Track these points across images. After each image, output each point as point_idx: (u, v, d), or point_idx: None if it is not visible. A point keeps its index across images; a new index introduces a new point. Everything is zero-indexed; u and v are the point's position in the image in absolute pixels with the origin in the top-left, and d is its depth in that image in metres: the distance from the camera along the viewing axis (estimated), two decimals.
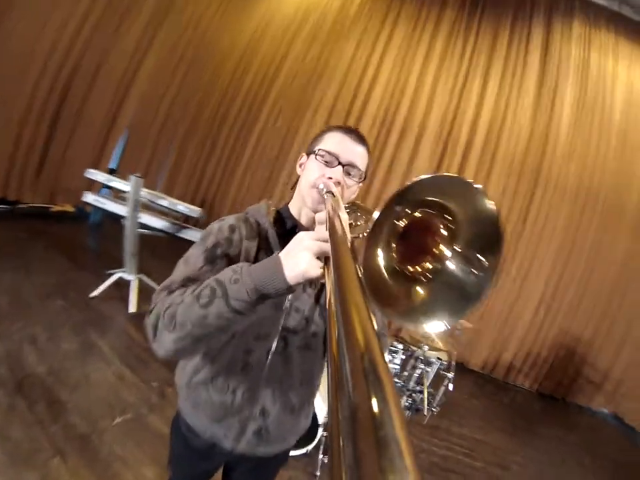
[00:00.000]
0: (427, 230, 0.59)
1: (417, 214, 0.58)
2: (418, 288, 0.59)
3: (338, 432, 0.20)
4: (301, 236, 0.63)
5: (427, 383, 2.88)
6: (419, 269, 0.60)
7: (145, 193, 2.98)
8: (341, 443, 0.19)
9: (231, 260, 0.82)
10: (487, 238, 0.54)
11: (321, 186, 0.82)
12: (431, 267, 0.59)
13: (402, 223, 0.59)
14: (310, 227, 0.90)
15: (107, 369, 2.25)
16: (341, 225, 0.57)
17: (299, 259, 0.60)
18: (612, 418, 4.79)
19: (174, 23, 4.98)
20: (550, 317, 4.82)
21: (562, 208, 4.84)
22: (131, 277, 3.10)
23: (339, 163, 0.85)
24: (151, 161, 5.37)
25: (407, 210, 0.57)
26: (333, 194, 0.76)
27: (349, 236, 0.54)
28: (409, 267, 0.60)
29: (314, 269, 0.59)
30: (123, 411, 1.98)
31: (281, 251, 0.65)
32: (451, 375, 2.95)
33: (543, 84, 5.05)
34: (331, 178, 0.83)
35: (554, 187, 4.92)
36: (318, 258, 0.60)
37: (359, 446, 0.18)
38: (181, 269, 0.81)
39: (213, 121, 5.58)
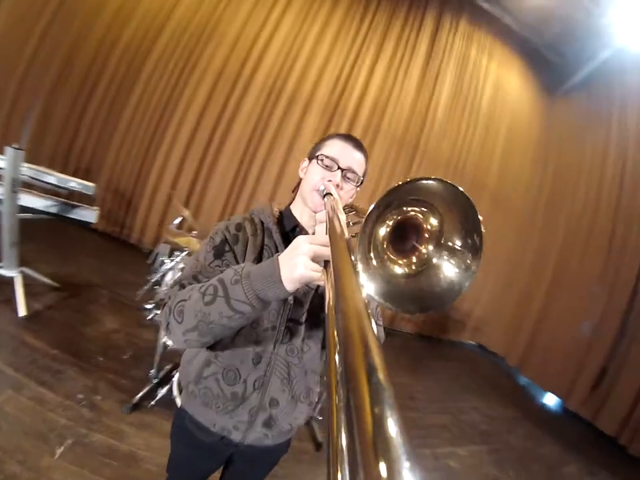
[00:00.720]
0: (414, 226, 0.63)
1: (405, 212, 0.61)
2: (408, 278, 0.62)
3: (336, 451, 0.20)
4: (299, 240, 0.64)
5: None
6: (409, 261, 0.63)
7: (25, 169, 2.38)
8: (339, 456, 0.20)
9: (237, 256, 0.88)
10: (467, 233, 0.59)
11: (321, 187, 0.88)
12: (418, 260, 0.63)
13: (391, 221, 0.62)
14: (310, 227, 0.96)
15: (18, 394, 1.84)
16: (340, 224, 0.61)
17: (296, 263, 0.62)
18: (477, 347, 6.17)
19: None
20: None
21: None
22: (13, 273, 2.50)
23: (339, 168, 0.91)
24: (9, 124, 4.20)
25: (396, 208, 0.60)
26: (332, 195, 0.81)
27: (346, 234, 0.57)
28: (399, 260, 0.63)
29: (310, 273, 0.61)
30: (60, 439, 1.68)
31: (285, 249, 0.68)
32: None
33: (427, 69, 5.65)
34: (330, 181, 0.89)
35: (429, 160, 5.69)
36: (317, 262, 0.61)
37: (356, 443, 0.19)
38: (192, 265, 0.86)
39: (86, 78, 4.57)
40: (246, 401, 0.90)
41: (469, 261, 0.59)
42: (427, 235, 0.62)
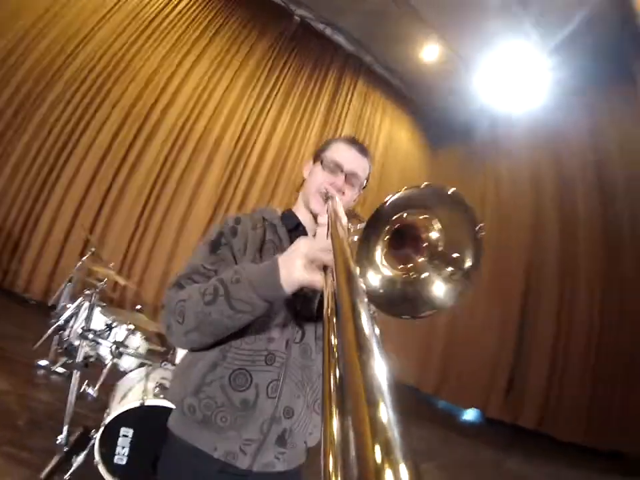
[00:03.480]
0: (413, 234, 0.63)
1: (405, 219, 0.61)
2: (401, 284, 0.62)
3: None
4: (300, 242, 0.65)
5: None
6: (404, 268, 0.63)
7: None
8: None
9: (234, 250, 0.87)
10: (465, 242, 0.57)
11: (324, 190, 0.90)
12: (413, 267, 0.62)
13: (389, 227, 0.62)
14: (311, 229, 0.97)
15: None
16: (342, 228, 0.59)
17: (295, 266, 0.63)
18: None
19: None
20: None
21: None
22: None
23: (342, 172, 0.93)
24: None
25: (395, 216, 0.60)
26: (334, 199, 0.81)
27: (348, 239, 0.56)
28: (395, 266, 0.63)
29: (309, 277, 0.62)
30: None
31: (290, 244, 0.70)
32: None
33: (327, 122, 6.27)
34: (333, 184, 0.91)
35: None
36: (317, 266, 0.62)
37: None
38: (188, 263, 0.85)
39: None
40: (257, 410, 0.78)
41: (463, 272, 0.58)
42: (423, 244, 0.61)
